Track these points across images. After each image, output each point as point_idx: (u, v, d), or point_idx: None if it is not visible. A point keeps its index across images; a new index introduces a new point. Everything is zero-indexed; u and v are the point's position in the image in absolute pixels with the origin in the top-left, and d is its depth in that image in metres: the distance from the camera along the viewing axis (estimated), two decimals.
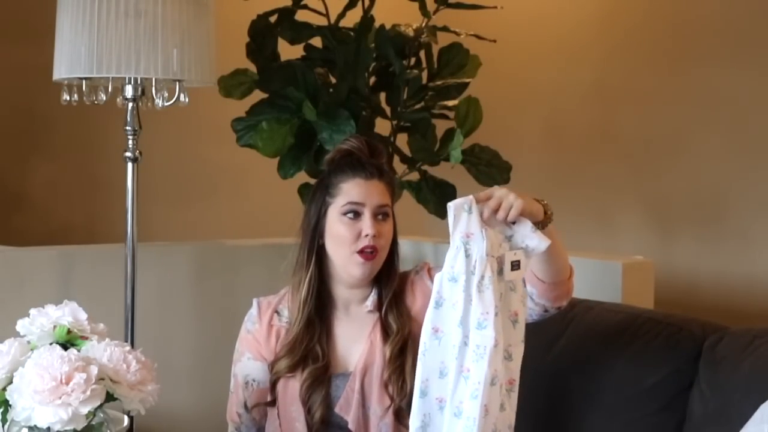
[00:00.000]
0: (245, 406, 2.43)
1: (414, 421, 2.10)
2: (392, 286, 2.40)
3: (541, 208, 2.19)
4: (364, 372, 2.34)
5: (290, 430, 2.36)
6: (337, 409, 2.34)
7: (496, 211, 2.11)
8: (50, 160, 4.43)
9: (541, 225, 2.18)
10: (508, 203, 2.11)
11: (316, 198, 2.41)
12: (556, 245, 2.22)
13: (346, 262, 2.35)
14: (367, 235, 2.32)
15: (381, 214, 2.36)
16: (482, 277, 2.07)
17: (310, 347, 2.36)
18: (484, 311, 2.06)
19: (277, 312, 2.44)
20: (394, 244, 2.42)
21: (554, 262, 2.27)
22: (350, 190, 2.35)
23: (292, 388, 2.36)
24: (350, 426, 2.32)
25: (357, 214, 2.34)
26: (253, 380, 2.43)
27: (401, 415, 2.30)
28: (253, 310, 2.47)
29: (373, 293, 2.41)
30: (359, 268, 2.34)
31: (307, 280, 2.39)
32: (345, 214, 2.35)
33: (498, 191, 2.13)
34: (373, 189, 2.35)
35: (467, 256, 2.08)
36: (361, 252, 2.33)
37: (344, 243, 2.34)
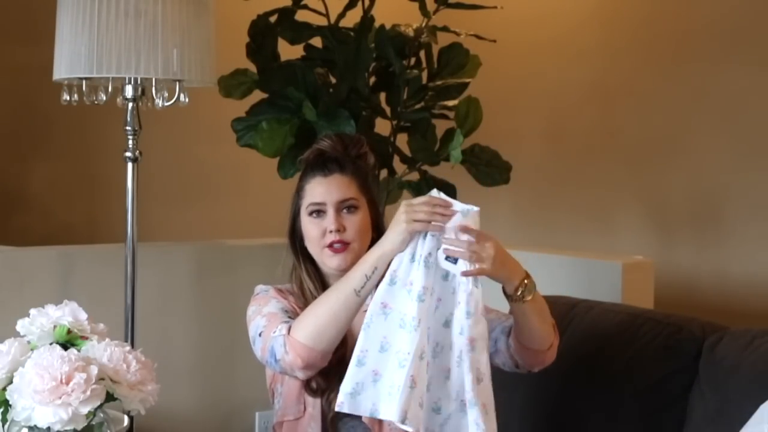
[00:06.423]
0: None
1: (346, 386, 2.14)
2: None
3: (516, 281, 2.21)
4: None
5: (306, 419, 2.36)
6: None
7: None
8: (50, 160, 4.42)
9: (510, 298, 2.22)
10: (480, 256, 2.15)
11: (293, 200, 2.46)
12: (536, 311, 2.26)
13: (320, 257, 2.41)
14: (331, 231, 2.37)
15: (346, 207, 2.39)
16: (429, 254, 2.15)
17: None
18: (425, 285, 2.13)
19: (292, 295, 2.44)
20: (381, 234, 2.42)
21: (534, 328, 2.29)
22: (312, 190, 2.41)
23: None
24: (363, 417, 2.33)
25: (321, 213, 2.39)
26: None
27: None
28: (263, 287, 2.46)
29: None
30: (333, 260, 2.38)
31: (307, 277, 2.43)
32: (310, 214, 2.40)
33: (486, 245, 2.15)
34: (333, 185, 2.39)
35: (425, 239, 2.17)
36: (329, 246, 2.38)
37: (314, 241, 2.40)
